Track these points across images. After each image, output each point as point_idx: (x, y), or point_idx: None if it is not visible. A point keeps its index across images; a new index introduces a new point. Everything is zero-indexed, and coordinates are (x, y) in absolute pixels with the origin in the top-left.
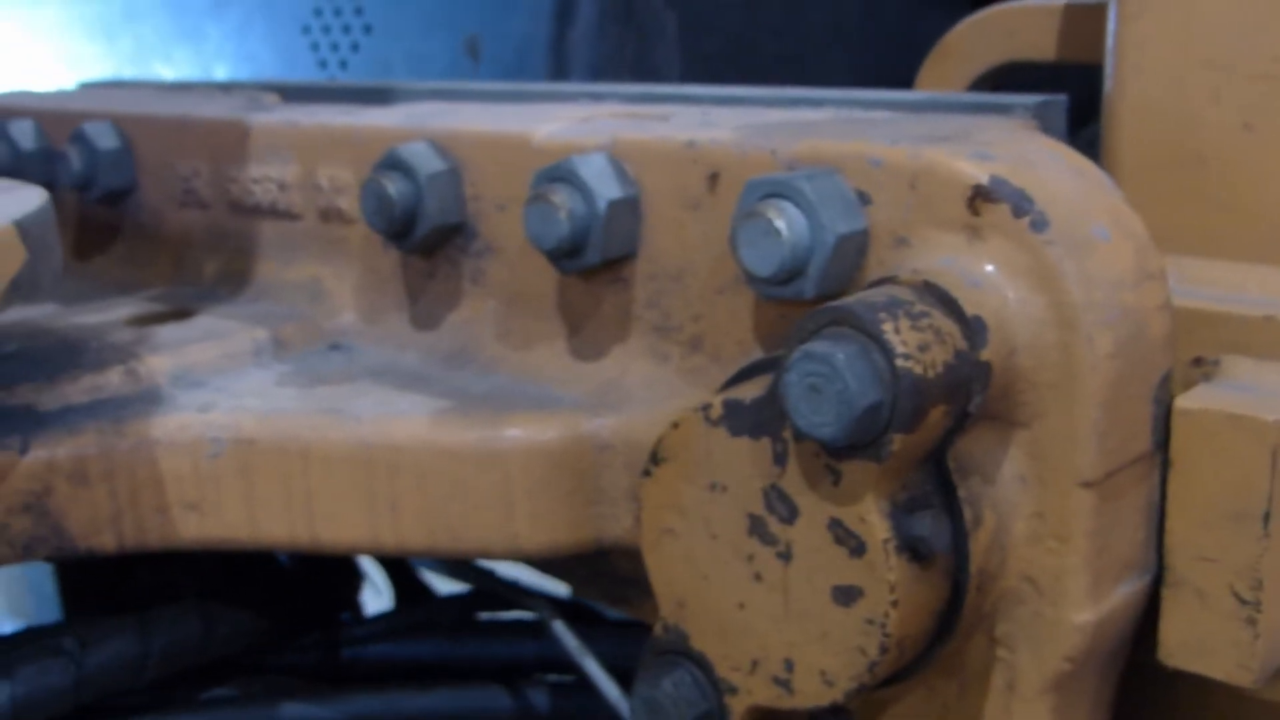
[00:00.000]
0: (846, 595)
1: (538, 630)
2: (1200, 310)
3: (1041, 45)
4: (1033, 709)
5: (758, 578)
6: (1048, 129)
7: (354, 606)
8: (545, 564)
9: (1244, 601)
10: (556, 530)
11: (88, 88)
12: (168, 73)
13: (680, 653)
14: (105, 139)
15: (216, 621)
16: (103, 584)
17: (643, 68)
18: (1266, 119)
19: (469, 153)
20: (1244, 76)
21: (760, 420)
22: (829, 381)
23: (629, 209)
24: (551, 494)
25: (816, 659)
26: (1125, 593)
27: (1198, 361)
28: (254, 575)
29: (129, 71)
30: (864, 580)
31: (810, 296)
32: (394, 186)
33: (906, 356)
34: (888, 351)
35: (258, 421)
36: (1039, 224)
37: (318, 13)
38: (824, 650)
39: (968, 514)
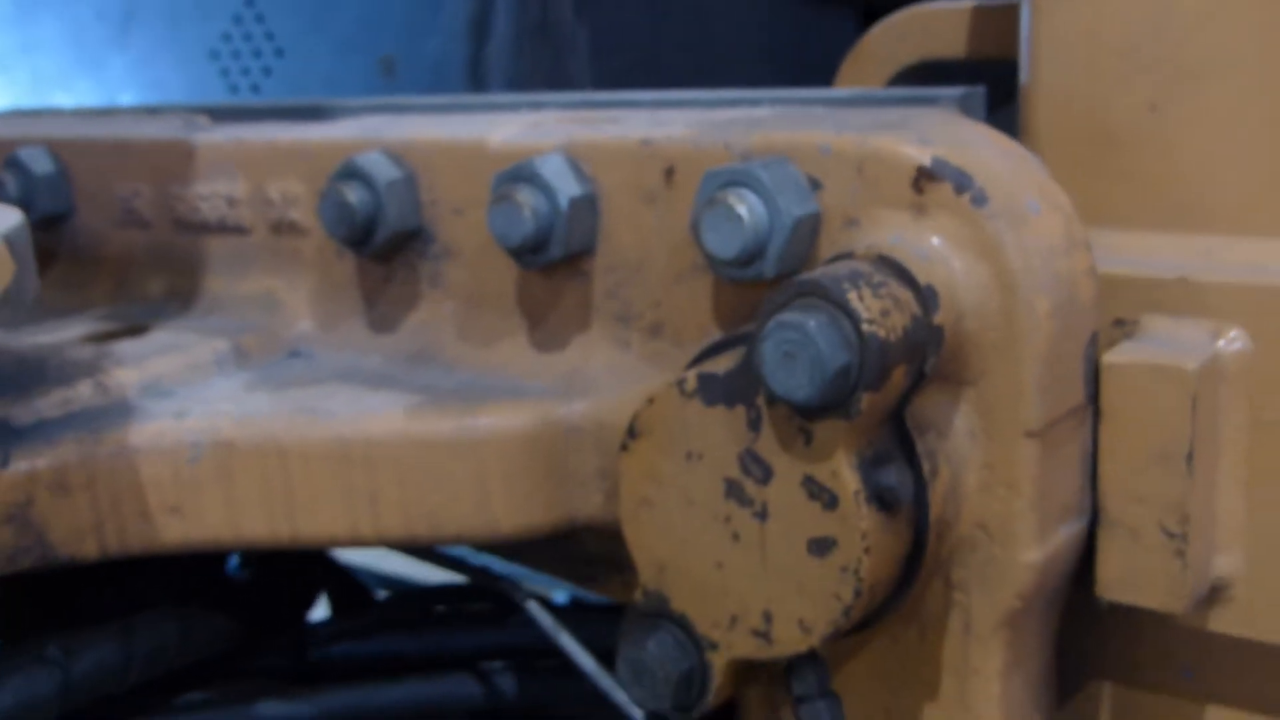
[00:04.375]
0: (821, 546)
1: (495, 620)
2: (1119, 276)
3: (954, 44)
4: (988, 647)
5: (735, 538)
6: (970, 118)
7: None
8: (514, 548)
9: (1172, 535)
10: (532, 512)
11: (14, 114)
12: (69, 103)
13: (661, 615)
14: (40, 164)
15: (193, 625)
16: (58, 599)
17: (557, 82)
18: (1170, 100)
19: (425, 159)
20: (1149, 62)
21: (734, 390)
22: (802, 347)
23: (588, 205)
24: (526, 478)
25: (794, 609)
26: (1066, 534)
27: (1119, 322)
28: (215, 583)
29: (27, 104)
30: (838, 531)
31: (770, 276)
32: (354, 195)
33: (871, 321)
34: (854, 318)
35: (235, 425)
36: (979, 199)
37: (226, 38)
38: (801, 600)
39: (926, 467)
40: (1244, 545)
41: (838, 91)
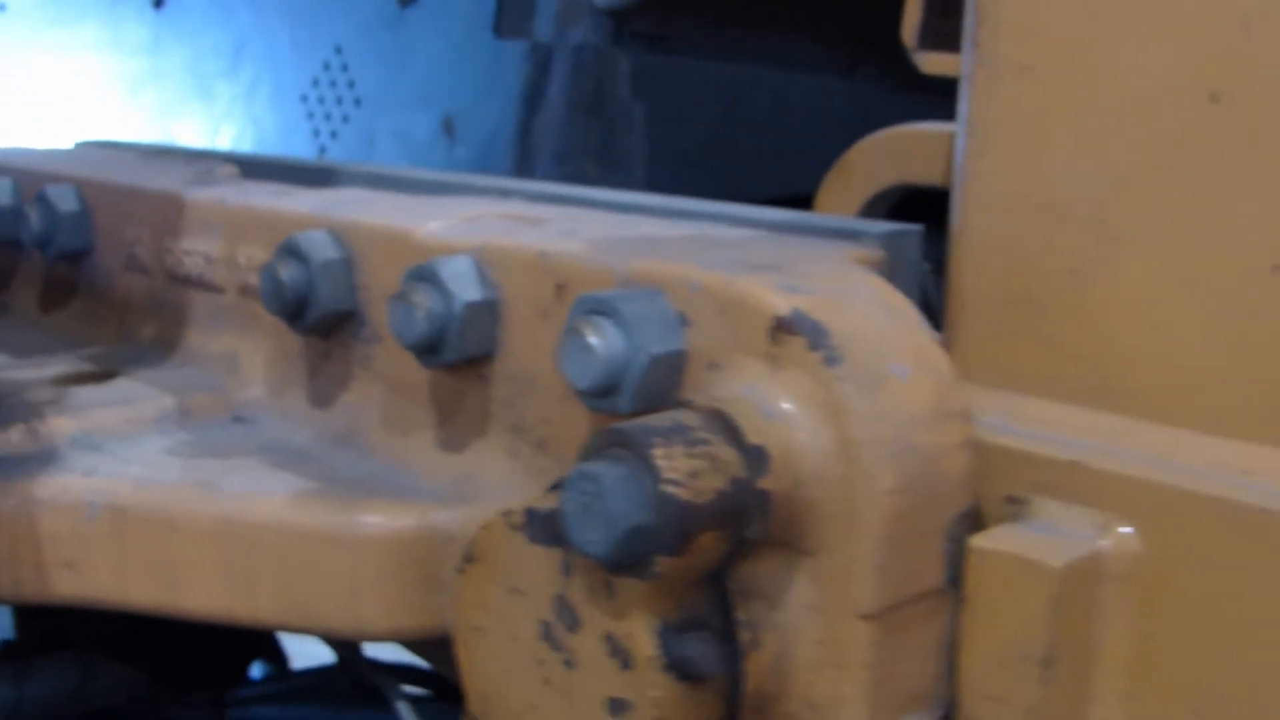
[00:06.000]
0: (618, 707)
1: (417, 702)
2: (1016, 449)
3: (931, 170)
4: None
5: (547, 682)
6: (899, 257)
7: (276, 658)
8: (408, 643)
9: None
10: (401, 616)
11: (82, 146)
12: (183, 130)
13: None
14: (65, 202)
15: (95, 674)
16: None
17: (608, 157)
18: (1091, 264)
19: (362, 243)
20: (1072, 221)
21: (553, 531)
22: (598, 500)
23: (487, 311)
24: (398, 581)
25: None
26: None
27: (1011, 500)
28: (146, 631)
29: (151, 127)
30: (633, 694)
31: (625, 411)
32: (287, 271)
33: (674, 482)
34: (655, 476)
35: (133, 489)
36: (831, 359)
37: (315, 83)
38: None
39: (745, 637)
40: None
41: (775, 214)
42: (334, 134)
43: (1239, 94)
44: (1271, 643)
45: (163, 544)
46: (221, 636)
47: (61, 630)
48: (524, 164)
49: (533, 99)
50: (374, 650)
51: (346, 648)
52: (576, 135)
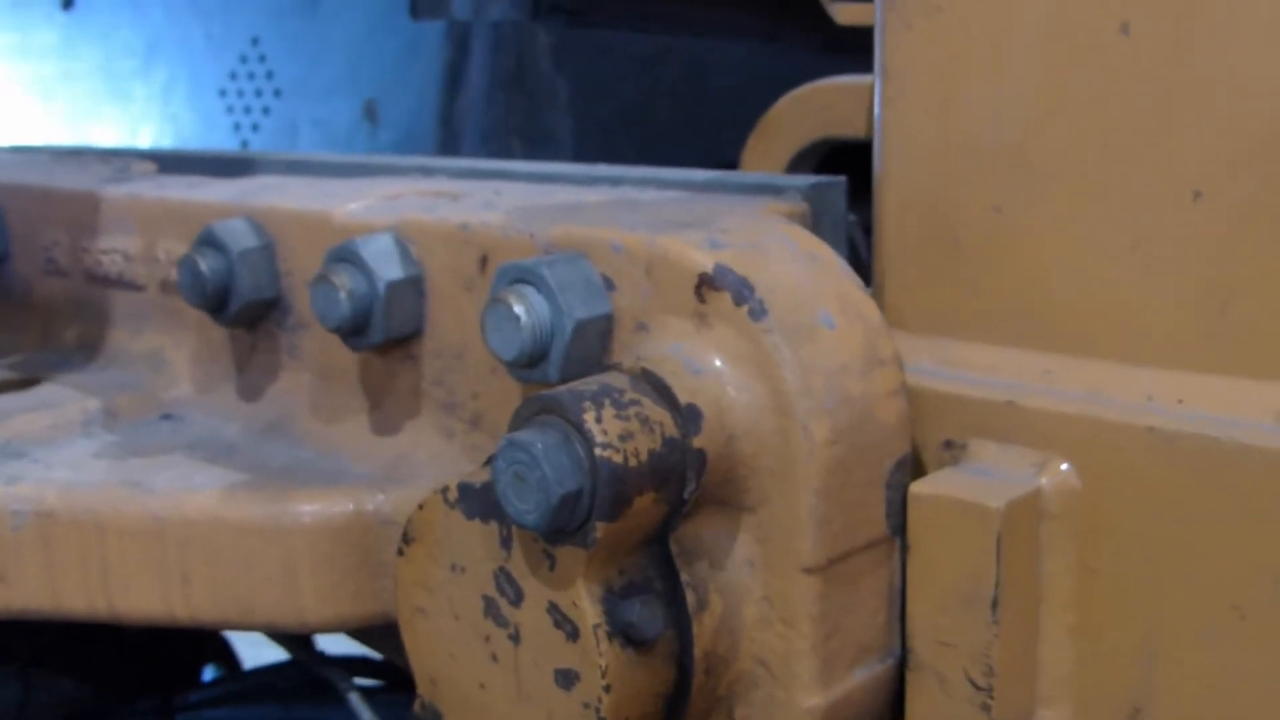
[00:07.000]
0: (566, 678)
1: (368, 696)
2: (950, 393)
3: (853, 123)
4: None
5: (494, 658)
6: (822, 210)
7: (228, 661)
8: (357, 633)
9: (978, 687)
10: (342, 604)
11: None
12: (99, 133)
13: None
14: None
15: (37, 689)
16: None
17: (533, 134)
18: (1013, 203)
19: (282, 229)
20: (993, 160)
21: (488, 504)
22: (530, 469)
23: (411, 289)
24: (335, 568)
25: None
26: (864, 676)
27: (948, 445)
28: (89, 641)
29: (65, 132)
30: (580, 664)
31: (555, 380)
32: (206, 263)
33: (606, 445)
34: (587, 440)
35: (59, 494)
36: (757, 312)
37: (233, 76)
38: None
39: (691, 598)
40: (1072, 699)
41: (698, 174)
42: (255, 126)
43: (1148, 24)
44: (1211, 567)
45: (94, 548)
46: (166, 640)
47: (4, 646)
48: (449, 145)
49: (454, 79)
50: (328, 646)
51: (296, 643)
52: (500, 113)
